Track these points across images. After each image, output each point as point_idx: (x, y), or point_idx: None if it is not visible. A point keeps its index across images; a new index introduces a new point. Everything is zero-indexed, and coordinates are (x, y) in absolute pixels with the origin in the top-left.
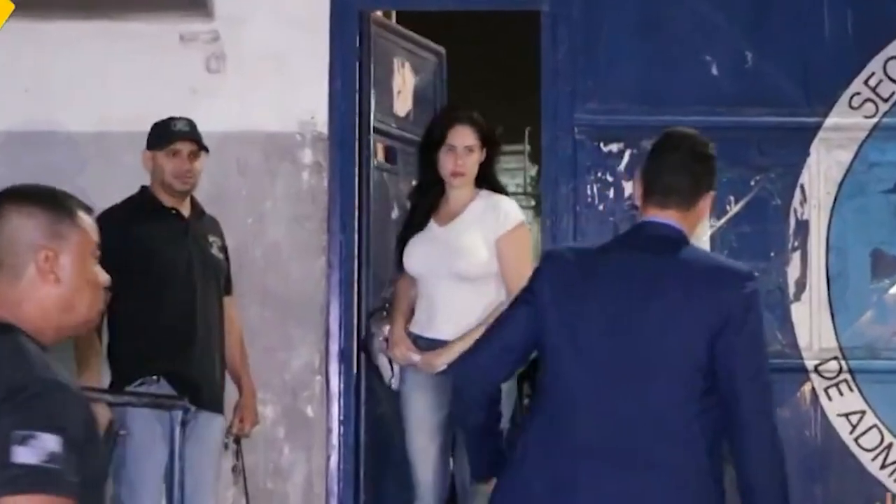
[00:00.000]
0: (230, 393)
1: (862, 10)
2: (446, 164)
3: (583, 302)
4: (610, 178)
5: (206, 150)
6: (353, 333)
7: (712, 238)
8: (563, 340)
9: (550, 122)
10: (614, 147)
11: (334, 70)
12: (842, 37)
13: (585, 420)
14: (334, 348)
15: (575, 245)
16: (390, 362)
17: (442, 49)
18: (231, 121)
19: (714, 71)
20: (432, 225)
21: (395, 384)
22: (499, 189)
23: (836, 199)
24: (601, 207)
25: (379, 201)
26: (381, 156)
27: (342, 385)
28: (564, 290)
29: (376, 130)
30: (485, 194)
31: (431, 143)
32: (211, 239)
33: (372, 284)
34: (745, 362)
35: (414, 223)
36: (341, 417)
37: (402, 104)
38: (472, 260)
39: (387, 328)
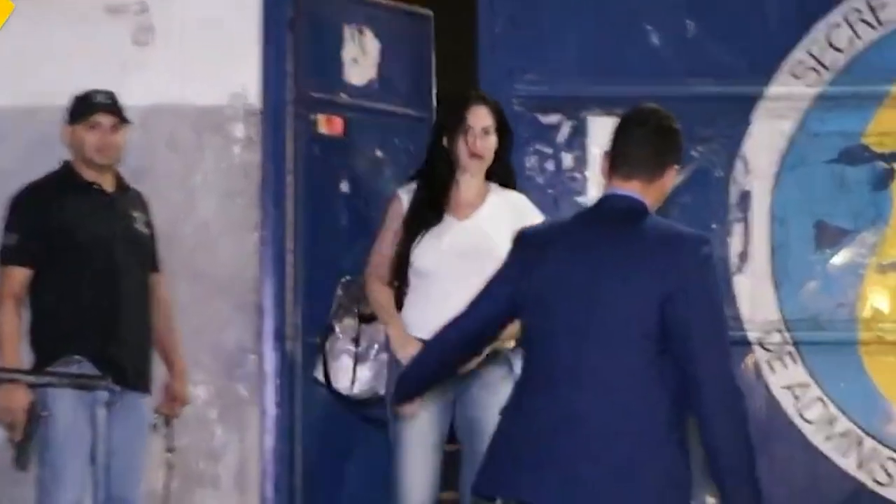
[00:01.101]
0: (159, 373)
1: None
2: (462, 146)
3: (549, 275)
4: (549, 150)
5: (128, 122)
6: (287, 311)
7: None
8: (533, 314)
9: (489, 94)
10: (553, 119)
11: (266, 42)
12: (784, 5)
13: (554, 389)
14: (268, 327)
15: (544, 223)
16: (354, 366)
17: (429, 13)
18: (160, 94)
19: (655, 41)
20: (448, 219)
21: (355, 390)
22: (510, 179)
23: (778, 169)
24: (540, 180)
25: (321, 175)
26: (325, 128)
27: (277, 364)
28: (533, 266)
29: (319, 102)
30: (496, 188)
31: (444, 126)
32: (135, 214)
33: (305, 261)
34: (701, 325)
35: (427, 217)
36: (276, 398)
37: (361, 73)
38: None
39: (351, 326)
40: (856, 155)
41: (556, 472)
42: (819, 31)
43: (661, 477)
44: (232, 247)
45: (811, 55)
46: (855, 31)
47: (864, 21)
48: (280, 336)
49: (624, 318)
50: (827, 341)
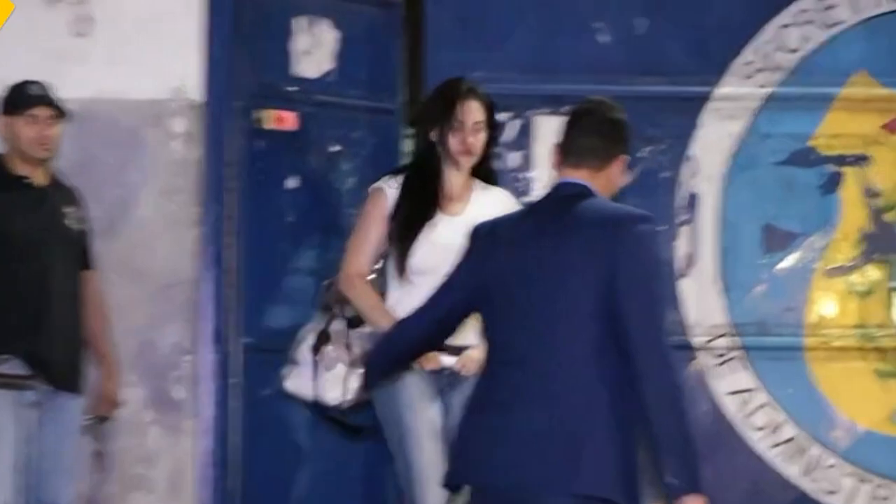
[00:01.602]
0: (92, 373)
1: None
2: (453, 141)
3: (500, 265)
4: (495, 150)
5: (66, 115)
6: (226, 311)
7: None
8: (487, 303)
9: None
10: (501, 116)
11: (209, 35)
12: (734, 4)
13: (507, 373)
14: (206, 327)
15: (498, 217)
16: (345, 384)
17: (397, 0)
18: (98, 87)
19: (604, 39)
20: (438, 214)
21: (347, 397)
22: (492, 176)
23: (727, 171)
24: None
25: (266, 171)
26: (274, 123)
27: (214, 366)
28: (485, 256)
29: (265, 96)
30: (479, 184)
31: (433, 120)
32: (68, 210)
33: (247, 260)
34: (638, 304)
35: (425, 212)
36: (213, 400)
37: (315, 65)
38: None
39: (341, 332)
40: (805, 157)
41: (507, 452)
42: (769, 31)
43: (605, 456)
44: (170, 244)
45: (761, 56)
46: (805, 33)
47: (814, 22)
48: (218, 337)
49: (571, 300)
50: (774, 346)
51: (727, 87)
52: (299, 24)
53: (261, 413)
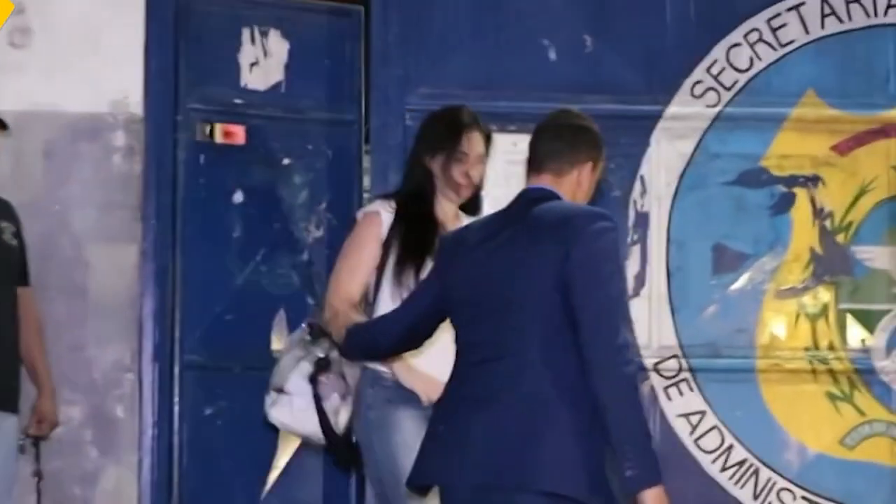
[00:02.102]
0: (28, 391)
1: None
2: (456, 173)
3: (463, 271)
4: None
5: (5, 127)
6: (167, 328)
7: None
8: (453, 309)
9: (381, 108)
10: None
11: (150, 47)
12: (684, 23)
13: (475, 373)
14: (147, 344)
15: (466, 224)
16: (336, 417)
17: (358, 8)
18: (36, 99)
19: (552, 56)
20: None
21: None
22: (479, 210)
23: (676, 190)
24: None
25: (211, 186)
26: (220, 136)
27: (156, 384)
28: (450, 264)
29: (209, 110)
30: (463, 215)
31: (435, 147)
32: (3, 225)
33: (190, 276)
34: (591, 300)
35: (431, 240)
36: (154, 419)
37: (263, 77)
38: None
39: (336, 361)
40: (755, 178)
41: (474, 451)
42: (720, 50)
43: (569, 453)
44: (110, 261)
45: (711, 75)
46: (756, 52)
47: (764, 42)
48: (160, 355)
49: (533, 300)
50: (724, 368)
51: (677, 107)
52: (247, 34)
53: (203, 432)
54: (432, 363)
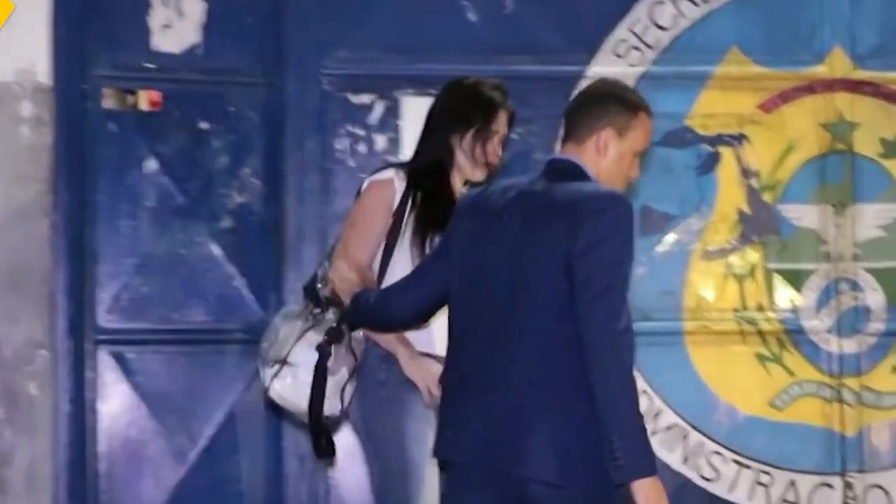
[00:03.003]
0: None
1: None
2: (486, 151)
3: (480, 240)
4: (361, 132)
5: None
6: (82, 302)
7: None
8: (458, 281)
9: (296, 73)
10: (365, 99)
11: (56, 13)
12: None
13: (473, 347)
14: (61, 320)
15: (486, 189)
16: (342, 393)
17: None
18: None
19: (471, 17)
20: None
21: (338, 415)
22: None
23: None
24: (352, 163)
25: (123, 155)
26: (131, 103)
27: (70, 360)
28: (469, 233)
29: (120, 77)
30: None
31: (465, 123)
32: None
33: (104, 249)
34: (592, 278)
35: (442, 221)
36: (70, 395)
37: (177, 39)
38: None
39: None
40: (680, 137)
41: (471, 427)
42: (642, 8)
43: (563, 437)
44: (21, 234)
45: (634, 33)
46: (679, 9)
47: None
48: (74, 330)
49: (537, 277)
50: (651, 332)
51: (599, 66)
52: None
53: (120, 407)
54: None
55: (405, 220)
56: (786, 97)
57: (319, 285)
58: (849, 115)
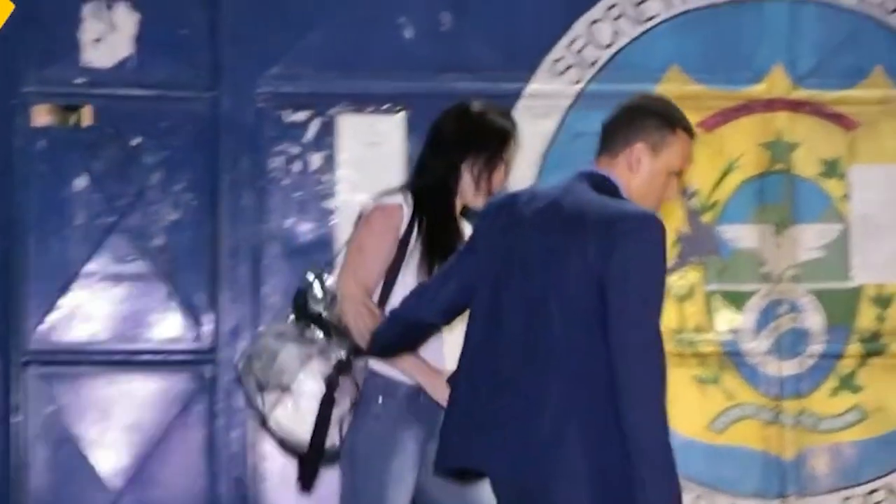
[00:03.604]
0: None
1: None
2: (492, 179)
3: (507, 246)
4: (296, 150)
5: None
6: (7, 322)
7: None
8: (484, 283)
9: (230, 89)
10: (300, 116)
11: None
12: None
13: (498, 359)
14: None
15: (513, 194)
16: (341, 424)
17: None
18: None
19: (408, 35)
20: None
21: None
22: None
23: (539, 170)
24: (286, 182)
25: (49, 173)
26: (59, 119)
27: None
28: (495, 236)
29: (48, 92)
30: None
31: (476, 149)
32: None
33: (28, 268)
34: (627, 306)
35: (450, 245)
36: None
37: (109, 53)
38: None
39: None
40: None
41: (501, 438)
42: (581, 26)
43: (590, 455)
44: None
45: (572, 51)
46: (618, 28)
47: (626, 17)
48: (1, 350)
49: (568, 295)
50: None
51: (538, 84)
52: (90, 9)
53: (47, 427)
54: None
55: (411, 244)
56: (726, 116)
57: (317, 307)
58: (788, 135)
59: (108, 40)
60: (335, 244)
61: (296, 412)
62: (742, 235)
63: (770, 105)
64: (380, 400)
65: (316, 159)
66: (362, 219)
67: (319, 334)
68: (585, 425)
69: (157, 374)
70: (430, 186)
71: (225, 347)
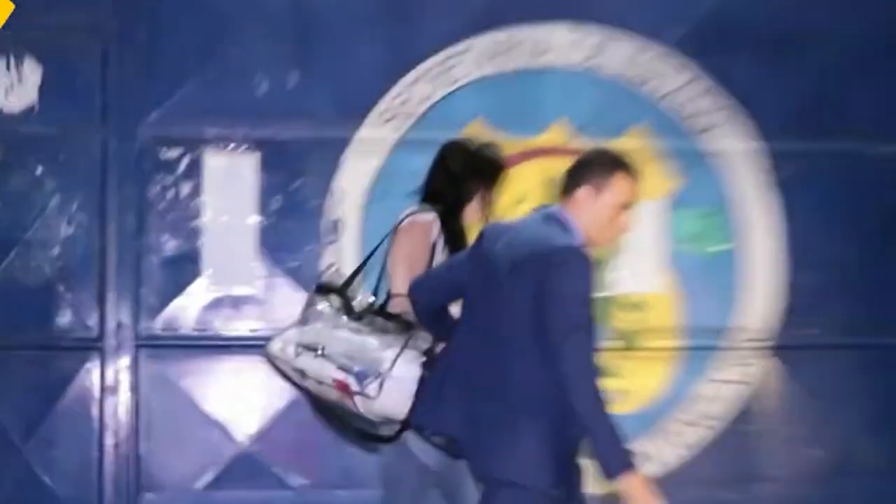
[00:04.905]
0: None
1: (391, 37)
2: (483, 208)
3: (478, 270)
4: (170, 181)
5: None
6: None
7: (262, 231)
8: (469, 289)
9: (117, 130)
10: (174, 153)
11: None
12: (374, 61)
13: (474, 351)
14: None
15: (502, 223)
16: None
17: (111, 26)
18: None
19: (262, 89)
20: None
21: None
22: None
23: (366, 201)
24: (161, 206)
25: None
26: None
27: None
28: (475, 259)
29: None
30: None
31: (484, 179)
32: None
33: None
34: (555, 323)
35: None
36: None
37: (18, 100)
38: None
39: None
40: None
41: (465, 411)
42: (403, 83)
43: (527, 451)
44: None
45: (396, 105)
46: (432, 85)
47: (439, 78)
48: None
49: (516, 320)
50: None
51: (365, 131)
52: (2, 63)
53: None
54: None
55: (438, 250)
56: (519, 158)
57: (379, 302)
58: None
59: (17, 89)
60: (202, 257)
61: (398, 395)
62: None
63: (552, 151)
64: None
65: (186, 188)
66: (401, 231)
67: (390, 326)
68: (537, 412)
69: (53, 364)
70: (448, 207)
71: (109, 338)
